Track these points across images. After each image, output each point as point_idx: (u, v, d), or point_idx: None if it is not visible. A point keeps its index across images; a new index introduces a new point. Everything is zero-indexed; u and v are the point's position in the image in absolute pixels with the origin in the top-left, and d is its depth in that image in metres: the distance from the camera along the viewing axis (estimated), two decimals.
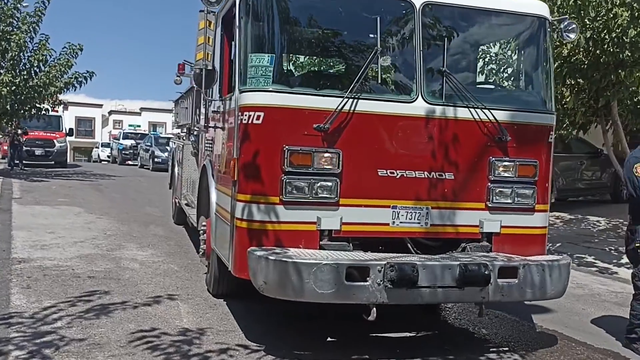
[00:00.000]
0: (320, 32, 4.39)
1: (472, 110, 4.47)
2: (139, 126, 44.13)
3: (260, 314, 5.25)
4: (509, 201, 4.58)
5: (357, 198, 4.31)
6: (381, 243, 4.52)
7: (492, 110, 4.48)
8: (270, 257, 3.87)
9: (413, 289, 3.94)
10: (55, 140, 22.94)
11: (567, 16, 4.84)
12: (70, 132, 24.59)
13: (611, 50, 7.16)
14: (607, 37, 7.09)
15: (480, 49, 5.27)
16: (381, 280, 3.88)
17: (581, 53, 7.64)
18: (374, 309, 3.96)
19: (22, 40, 16.58)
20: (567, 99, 7.80)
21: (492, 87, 5.29)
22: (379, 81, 4.31)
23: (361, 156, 4.30)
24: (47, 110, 18.83)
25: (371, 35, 4.36)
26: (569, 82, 7.85)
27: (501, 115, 4.52)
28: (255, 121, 4.17)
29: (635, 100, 8.06)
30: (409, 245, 4.49)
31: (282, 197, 4.15)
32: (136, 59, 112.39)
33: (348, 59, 4.41)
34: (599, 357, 4.62)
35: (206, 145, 6.01)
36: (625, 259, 8.54)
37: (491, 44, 5.23)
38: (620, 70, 7.46)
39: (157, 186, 16.87)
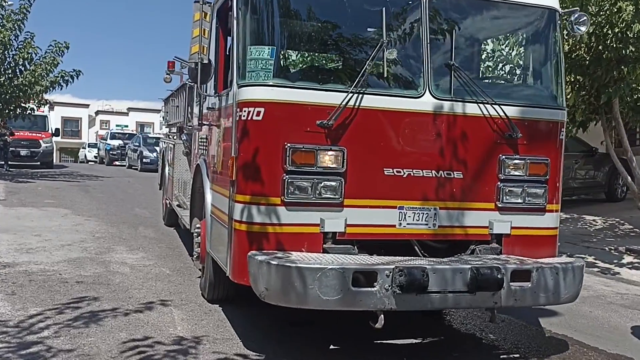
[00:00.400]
0: (323, 23, 4.16)
1: (481, 105, 4.27)
2: (126, 126, 43.67)
3: (258, 320, 5.02)
4: (520, 201, 4.39)
5: (362, 198, 4.09)
6: (385, 245, 4.31)
7: (502, 106, 4.28)
8: (272, 262, 3.64)
9: (423, 294, 3.73)
10: (41, 141, 22.48)
11: (577, 8, 4.64)
12: (56, 133, 24.15)
13: (614, 45, 7.01)
14: (609, 32, 6.94)
15: (488, 42, 5.08)
16: (389, 286, 3.67)
17: (582, 49, 7.49)
18: (382, 315, 3.75)
19: (6, 38, 16.17)
20: (568, 96, 7.63)
21: (501, 81, 5.10)
22: (385, 75, 4.09)
23: (366, 154, 4.08)
24: (32, 109, 18.40)
25: (376, 28, 4.15)
26: (569, 79, 7.69)
27: (511, 111, 4.33)
28: (255, 117, 3.93)
29: (635, 97, 7.92)
30: (416, 247, 4.28)
31: (284, 197, 3.92)
32: (123, 58, 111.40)
33: (352, 52, 4.19)
34: None
35: (200, 143, 5.76)
36: (626, 259, 8.43)
37: (500, 37, 5.03)
38: (622, 67, 7.31)
39: (146, 187, 16.55)
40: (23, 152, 22.07)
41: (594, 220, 11.80)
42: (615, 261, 8.40)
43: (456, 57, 4.27)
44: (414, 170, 4.16)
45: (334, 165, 3.99)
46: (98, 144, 34.93)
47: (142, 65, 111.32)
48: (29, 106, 18.08)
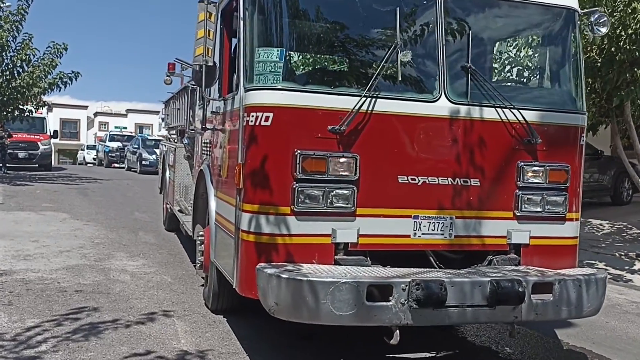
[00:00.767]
0: (334, 24, 3.98)
1: (499, 110, 4.10)
2: (125, 128, 43.39)
3: (265, 333, 4.83)
4: (539, 209, 4.21)
5: (376, 207, 3.91)
6: (398, 256, 4.12)
7: (520, 110, 4.10)
8: (282, 276, 3.45)
9: (440, 309, 3.55)
10: (39, 143, 22.28)
11: (597, 8, 4.46)
12: (54, 135, 23.95)
13: (627, 47, 6.83)
14: (623, 33, 6.77)
15: (506, 43, 4.90)
16: (405, 300, 3.49)
17: (594, 51, 7.32)
18: (397, 331, 3.56)
19: (4, 39, 15.97)
20: None
21: (519, 84, 4.92)
22: (399, 78, 3.91)
23: (380, 161, 3.90)
24: (30, 111, 18.19)
25: (389, 28, 3.97)
26: None
27: (530, 116, 4.15)
28: (263, 123, 3.75)
29: None
30: (431, 258, 4.10)
31: (294, 207, 3.73)
32: (121, 59, 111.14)
33: (365, 54, 4.01)
34: None
35: (204, 148, 5.57)
36: (638, 266, 8.25)
37: (518, 38, 4.86)
38: (636, 69, 7.14)
39: (146, 190, 16.36)
40: (21, 155, 21.87)
41: (600, 224, 11.62)
42: (626, 267, 8.22)
43: (472, 59, 4.09)
44: (429, 178, 3.98)
45: (346, 173, 3.80)
46: (97, 146, 34.71)
47: (140, 66, 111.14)
48: (27, 108, 17.87)
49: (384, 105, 3.88)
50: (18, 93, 16.52)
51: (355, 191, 3.83)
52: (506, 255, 4.19)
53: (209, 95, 4.49)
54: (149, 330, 4.70)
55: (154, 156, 23.89)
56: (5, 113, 17.15)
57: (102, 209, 11.79)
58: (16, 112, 17.42)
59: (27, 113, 17.94)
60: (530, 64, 4.82)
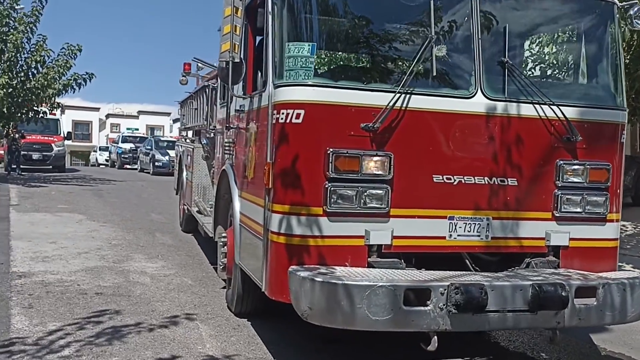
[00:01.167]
0: (366, 17, 3.84)
1: (537, 106, 3.94)
2: (137, 129, 43.57)
3: (291, 337, 4.70)
4: (579, 210, 4.04)
5: (410, 208, 3.77)
6: (432, 258, 3.97)
7: (559, 107, 3.94)
8: (317, 279, 3.32)
9: (480, 314, 3.40)
10: (53, 144, 22.37)
11: (637, 1, 4.30)
12: (68, 136, 24.03)
13: None
14: None
15: (543, 37, 4.74)
16: (444, 305, 3.34)
17: (622, 47, 7.11)
18: (435, 337, 3.42)
19: (19, 40, 16.00)
20: None
21: (558, 80, 4.76)
22: (434, 74, 3.76)
23: (414, 160, 3.76)
24: (44, 113, 18.22)
25: (423, 22, 3.82)
26: None
27: (569, 112, 3.99)
28: (294, 120, 3.61)
29: None
30: (467, 261, 3.94)
31: (326, 207, 3.60)
32: (132, 61, 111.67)
33: (399, 48, 3.87)
34: None
35: (226, 148, 5.45)
36: None
37: (555, 32, 4.69)
38: None
39: (160, 191, 16.32)
40: (35, 156, 21.96)
41: (623, 225, 11.38)
42: None
43: (509, 54, 3.94)
44: (465, 177, 3.83)
45: (379, 172, 3.67)
46: (109, 147, 34.80)
47: (151, 68, 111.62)
48: (41, 109, 17.90)
49: (418, 102, 3.74)
50: (33, 94, 16.55)
51: (389, 191, 3.69)
52: (544, 258, 4.03)
53: (236, 93, 4.36)
54: (173, 334, 4.59)
55: (166, 157, 23.89)
56: (19, 114, 17.18)
57: (118, 210, 11.73)
58: (30, 114, 17.44)
59: (41, 115, 17.95)
60: (567, 59, 4.66)
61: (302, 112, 3.59)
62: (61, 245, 7.89)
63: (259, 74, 4.68)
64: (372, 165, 3.64)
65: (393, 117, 3.68)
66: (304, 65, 3.62)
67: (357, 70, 3.80)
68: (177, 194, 10.53)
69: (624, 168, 4.15)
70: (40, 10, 16.67)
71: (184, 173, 9.21)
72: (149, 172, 24.81)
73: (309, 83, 3.63)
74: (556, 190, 4.01)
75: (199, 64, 11.21)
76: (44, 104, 17.96)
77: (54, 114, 21.19)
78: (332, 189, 3.59)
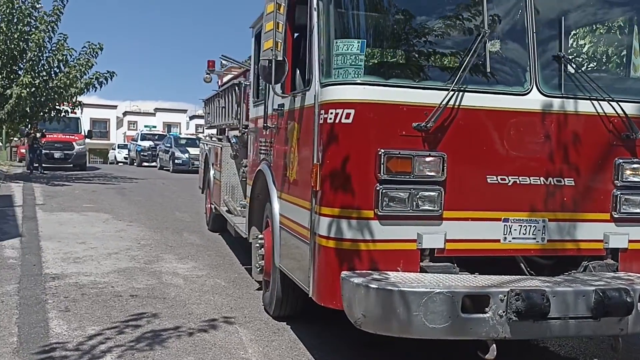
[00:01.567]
0: (417, 12, 3.70)
1: (594, 102, 3.76)
2: (154, 127, 43.73)
3: (333, 341, 4.59)
4: (638, 211, 3.86)
5: (463, 210, 3.62)
6: (481, 262, 3.82)
7: (619, 103, 3.76)
8: (372, 285, 3.20)
9: (542, 321, 3.25)
10: (74, 143, 22.49)
11: None
12: (89, 134, 24.15)
13: None
14: None
15: (601, 29, 4.55)
16: (504, 312, 3.20)
17: None
18: (494, 345, 3.28)
19: (40, 40, 16.05)
20: None
21: (615, 74, 4.57)
22: (488, 70, 3.60)
23: (468, 160, 3.61)
24: (66, 112, 18.30)
25: (476, 16, 3.67)
26: None
27: (629, 108, 3.81)
28: (344, 120, 3.48)
29: None
30: (522, 265, 3.79)
31: (378, 210, 3.47)
32: (147, 59, 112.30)
33: (450, 44, 3.72)
34: None
35: (262, 147, 5.34)
36: None
37: (614, 23, 4.50)
38: None
39: (182, 189, 16.32)
40: (57, 155, 22.10)
41: None
42: None
43: (565, 48, 3.77)
44: (520, 178, 3.68)
45: (432, 174, 3.52)
46: (128, 145, 34.95)
47: (166, 65, 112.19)
48: (63, 108, 17.97)
49: (472, 100, 3.59)
50: (55, 93, 16.61)
51: (442, 193, 3.55)
52: (603, 261, 3.87)
53: (279, 92, 4.24)
54: (213, 339, 4.50)
55: (186, 155, 23.93)
56: (42, 113, 17.26)
57: (143, 209, 11.71)
58: (53, 113, 17.52)
59: (63, 113, 18.02)
60: (626, 52, 4.46)
61: (352, 111, 3.46)
62: (91, 245, 7.86)
63: (297, 72, 4.56)
64: (425, 166, 3.51)
65: (446, 115, 3.54)
66: (353, 63, 3.49)
67: (408, 68, 3.66)
68: (202, 192, 10.48)
69: None
70: (62, 9, 16.72)
71: (211, 172, 9.13)
72: (168, 170, 24.85)
73: (359, 81, 3.50)
74: (615, 190, 3.84)
75: (223, 62, 11.16)
76: (65, 103, 18.03)
77: (75, 113, 21.27)
78: (383, 191, 3.46)
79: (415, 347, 4.25)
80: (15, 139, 31.83)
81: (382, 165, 3.44)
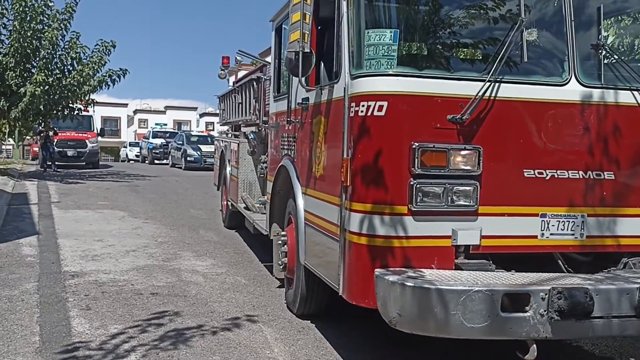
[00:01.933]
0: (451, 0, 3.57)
1: (635, 93, 3.62)
2: (165, 125, 43.80)
3: (359, 340, 4.49)
4: None
5: (500, 205, 3.49)
6: (514, 259, 3.69)
7: None
8: (408, 283, 3.08)
9: (584, 320, 3.12)
10: (87, 141, 22.54)
11: None
12: (101, 132, 24.20)
13: None
14: None
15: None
16: (545, 311, 3.08)
17: None
18: (534, 345, 3.15)
19: (54, 37, 16.04)
20: None
21: None
22: (525, 60, 3.47)
23: (504, 153, 3.48)
24: (79, 110, 18.31)
25: (511, 3, 3.53)
26: None
27: None
28: (376, 113, 3.37)
29: None
30: (559, 262, 3.66)
31: (412, 206, 3.35)
32: (157, 57, 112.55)
33: (485, 33, 3.58)
34: None
35: (284, 143, 5.24)
36: None
37: None
38: None
39: (195, 186, 16.27)
40: (70, 153, 22.16)
41: None
42: None
43: (604, 36, 3.63)
44: (559, 171, 3.55)
45: (467, 167, 3.40)
46: (140, 143, 35.00)
47: (175, 64, 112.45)
48: (76, 106, 17.98)
49: (508, 91, 3.46)
50: (69, 91, 16.60)
51: (478, 187, 3.42)
52: None
53: (306, 85, 4.13)
54: (238, 338, 4.41)
55: (198, 152, 23.91)
56: (55, 111, 17.27)
57: (158, 207, 11.66)
58: (66, 111, 17.52)
59: (76, 111, 18.03)
60: None
61: (384, 104, 3.34)
62: (108, 243, 7.81)
63: (322, 65, 4.45)
64: (460, 159, 3.38)
65: (482, 107, 3.41)
66: (385, 54, 3.37)
67: (442, 58, 3.53)
68: (218, 189, 10.40)
69: None
70: (74, 6, 16.70)
71: (227, 168, 9.05)
72: (180, 167, 24.83)
73: (392, 73, 3.37)
74: None
75: (237, 57, 11.05)
76: (78, 101, 18.04)
77: (88, 111, 21.31)
78: (417, 186, 3.34)
79: (452, 347, 4.14)
80: (28, 137, 32.07)
81: (416, 159, 3.32)
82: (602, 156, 3.58)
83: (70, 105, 17.52)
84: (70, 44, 16.97)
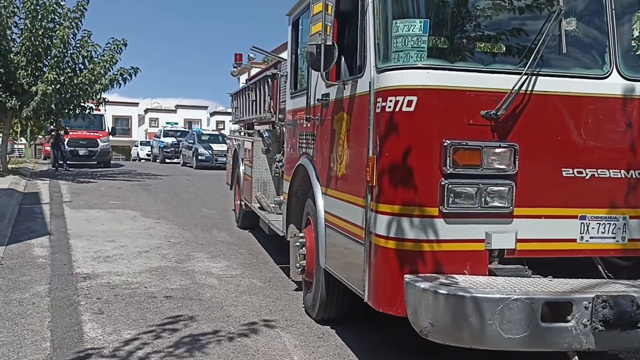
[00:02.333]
0: None
1: None
2: (176, 124, 43.82)
3: (382, 347, 4.29)
4: None
5: (536, 207, 3.28)
6: (550, 263, 3.47)
7: None
8: (441, 291, 2.88)
9: (630, 330, 2.90)
10: (98, 140, 22.50)
11: None
12: (112, 131, 24.16)
13: None
14: None
15: None
16: (588, 320, 2.87)
17: None
18: (576, 357, 2.95)
19: (65, 36, 15.95)
20: None
21: None
22: (563, 51, 3.25)
23: (541, 151, 3.27)
24: (91, 108, 18.23)
25: None
26: None
27: None
28: (405, 108, 3.16)
29: None
30: (599, 267, 3.44)
31: (443, 207, 3.14)
32: (167, 57, 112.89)
33: (522, 22, 3.36)
34: None
35: (302, 141, 5.04)
36: None
37: None
38: None
39: (206, 185, 16.14)
40: (82, 152, 22.13)
41: None
42: None
43: None
44: (599, 170, 3.33)
45: (502, 167, 3.19)
46: (151, 142, 34.99)
47: (185, 63, 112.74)
48: (88, 105, 17.90)
49: (545, 84, 3.25)
50: (80, 90, 16.51)
51: (514, 188, 3.21)
52: None
53: (327, 80, 3.93)
54: (255, 344, 4.23)
55: (209, 151, 23.79)
56: (67, 110, 17.19)
57: (170, 206, 11.52)
58: (77, 110, 17.44)
59: (88, 110, 17.95)
60: None
61: (414, 98, 3.14)
62: (120, 243, 7.67)
63: (342, 59, 4.24)
64: (494, 158, 3.17)
65: (517, 102, 3.20)
66: (415, 45, 3.16)
67: (475, 50, 3.32)
68: (231, 188, 10.23)
69: None
70: (85, 5, 16.61)
71: (241, 167, 8.87)
72: (191, 166, 24.72)
73: (422, 65, 3.17)
74: None
75: (250, 55, 10.88)
76: (89, 100, 17.96)
77: (99, 110, 21.26)
78: (449, 186, 3.14)
79: (485, 357, 3.93)
80: (39, 136, 32.14)
81: (447, 158, 3.12)
82: None
83: (82, 104, 17.43)
84: (82, 42, 16.87)
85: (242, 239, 8.38)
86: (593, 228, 3.34)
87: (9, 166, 18.29)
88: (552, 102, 3.26)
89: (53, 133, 20.18)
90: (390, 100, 3.21)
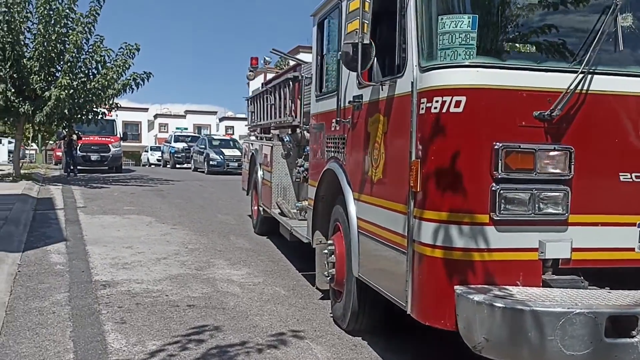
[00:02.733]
0: None
1: None
2: (186, 129, 43.83)
3: (419, 359, 4.09)
4: None
5: (593, 214, 3.09)
6: (600, 274, 3.27)
7: None
8: (497, 304, 2.69)
9: None
10: (110, 145, 22.46)
11: None
12: (124, 137, 24.12)
13: None
14: None
15: None
16: None
17: None
18: None
19: (78, 41, 15.91)
20: None
21: None
22: (620, 48, 3.06)
23: (597, 155, 3.08)
24: (104, 113, 18.18)
25: None
26: None
27: None
28: (452, 109, 2.98)
29: None
30: None
31: (494, 214, 2.96)
32: (176, 63, 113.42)
33: (575, 18, 3.19)
34: None
35: (330, 144, 4.87)
36: None
37: None
38: None
39: (220, 191, 16.01)
40: (93, 157, 22.10)
41: None
42: None
43: None
44: None
45: (557, 171, 3.00)
46: (162, 147, 34.97)
47: (194, 69, 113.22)
48: (100, 110, 17.84)
49: (602, 84, 3.06)
50: (93, 95, 16.45)
51: (569, 193, 3.02)
52: None
53: (360, 80, 3.75)
54: (286, 356, 4.05)
55: (221, 156, 23.69)
56: (79, 115, 17.13)
57: (184, 212, 11.38)
58: (90, 115, 17.38)
59: (100, 115, 17.89)
60: None
61: (462, 99, 2.96)
62: (137, 250, 7.52)
63: (375, 59, 4.07)
64: (548, 162, 2.99)
65: (572, 102, 3.01)
66: (463, 42, 2.98)
67: (527, 47, 3.14)
68: (247, 194, 10.07)
69: None
70: (98, 10, 16.56)
71: (259, 172, 8.70)
72: (203, 171, 24.63)
73: (471, 63, 2.99)
74: None
75: (266, 58, 10.74)
76: (102, 105, 17.90)
77: (110, 115, 21.22)
78: (500, 192, 2.95)
79: None
80: (50, 142, 32.24)
81: (499, 162, 2.93)
82: None
83: (95, 109, 17.37)
84: (95, 47, 16.83)
85: (261, 245, 8.21)
86: None
87: (21, 171, 18.24)
88: (609, 102, 3.08)
89: (66, 138, 20.15)
90: (437, 101, 3.03)
